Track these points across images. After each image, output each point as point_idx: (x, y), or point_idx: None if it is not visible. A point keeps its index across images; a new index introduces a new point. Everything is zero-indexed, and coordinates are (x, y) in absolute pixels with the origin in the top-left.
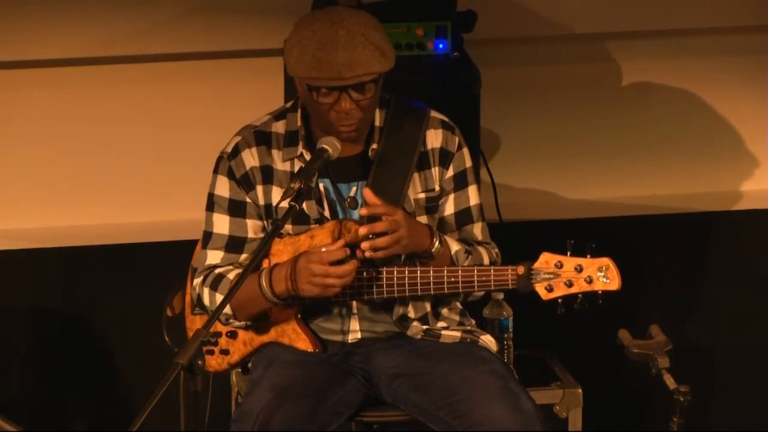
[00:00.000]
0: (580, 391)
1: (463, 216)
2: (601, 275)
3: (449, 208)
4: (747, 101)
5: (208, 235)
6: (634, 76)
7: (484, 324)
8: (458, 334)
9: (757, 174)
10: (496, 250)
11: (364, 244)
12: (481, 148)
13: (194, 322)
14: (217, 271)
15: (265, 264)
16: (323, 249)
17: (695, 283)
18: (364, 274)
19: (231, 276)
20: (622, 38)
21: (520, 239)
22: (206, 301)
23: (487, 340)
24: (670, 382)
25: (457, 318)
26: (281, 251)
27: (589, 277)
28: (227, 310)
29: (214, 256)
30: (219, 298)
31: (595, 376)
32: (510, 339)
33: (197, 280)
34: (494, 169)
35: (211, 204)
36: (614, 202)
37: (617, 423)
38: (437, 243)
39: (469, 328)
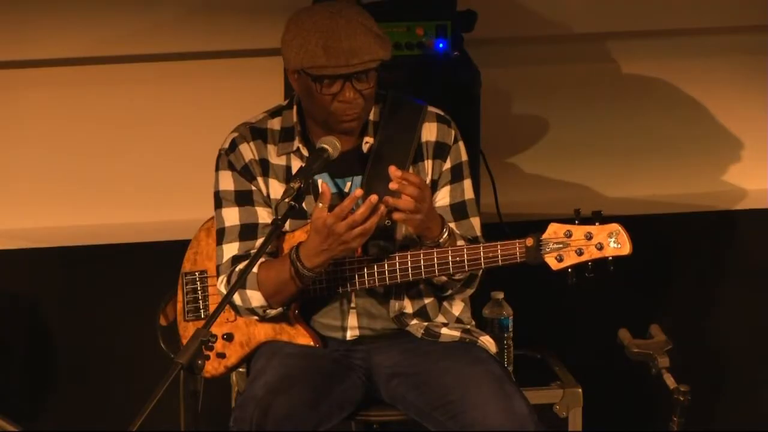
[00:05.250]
0: (580, 391)
1: (459, 208)
2: (612, 240)
3: (444, 199)
4: (747, 101)
5: (221, 232)
6: (634, 76)
7: (484, 323)
8: (458, 333)
9: (758, 174)
10: None
11: (388, 198)
12: (481, 148)
13: (187, 329)
14: (239, 267)
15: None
16: (319, 205)
17: (695, 282)
18: (367, 265)
19: (254, 269)
20: (622, 38)
21: (520, 239)
22: (238, 301)
23: (486, 341)
24: (670, 382)
25: (456, 313)
26: (278, 249)
27: (599, 243)
28: (261, 302)
29: (230, 249)
30: (251, 294)
31: (595, 376)
32: (510, 339)
33: (221, 279)
34: (494, 169)
35: (219, 200)
36: (614, 201)
37: (617, 423)
38: (446, 234)
39: (468, 327)
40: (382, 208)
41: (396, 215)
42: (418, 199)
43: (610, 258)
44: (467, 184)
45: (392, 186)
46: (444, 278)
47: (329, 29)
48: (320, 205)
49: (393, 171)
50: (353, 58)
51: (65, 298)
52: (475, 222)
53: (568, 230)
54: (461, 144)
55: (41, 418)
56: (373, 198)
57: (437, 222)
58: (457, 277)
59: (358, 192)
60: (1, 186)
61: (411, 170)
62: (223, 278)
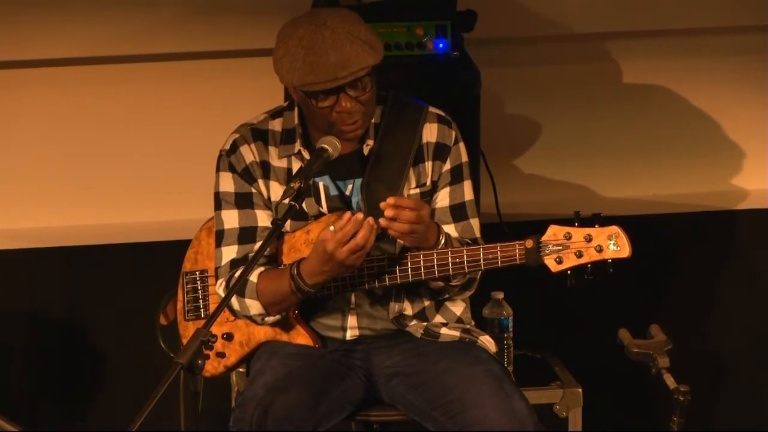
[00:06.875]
0: (580, 391)
1: (458, 210)
2: (611, 243)
3: (444, 201)
4: (747, 101)
5: (220, 234)
6: (634, 76)
7: (484, 324)
8: (457, 333)
9: (757, 174)
10: None
11: (383, 220)
12: (481, 148)
13: (187, 328)
14: (238, 273)
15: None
16: (330, 228)
17: (695, 282)
18: (367, 266)
19: (253, 278)
20: (622, 38)
21: (520, 239)
22: (236, 306)
23: (486, 341)
24: (670, 381)
25: (457, 313)
26: (278, 251)
27: (599, 246)
28: (260, 310)
29: (229, 252)
30: (249, 302)
31: (595, 376)
32: (510, 339)
33: (220, 282)
34: (494, 169)
35: (219, 202)
36: (614, 202)
37: (617, 423)
38: (443, 241)
39: (468, 327)
40: (381, 222)
41: (390, 233)
42: (415, 221)
43: (610, 261)
44: (467, 185)
45: (387, 215)
46: (441, 284)
47: (314, 43)
48: (331, 228)
49: (383, 205)
50: (341, 70)
51: (65, 298)
52: (475, 223)
53: (567, 232)
54: (462, 145)
55: (41, 418)
56: (371, 221)
57: (433, 232)
58: (454, 282)
59: (359, 216)
60: (1, 186)
61: (411, 172)
62: (221, 281)
